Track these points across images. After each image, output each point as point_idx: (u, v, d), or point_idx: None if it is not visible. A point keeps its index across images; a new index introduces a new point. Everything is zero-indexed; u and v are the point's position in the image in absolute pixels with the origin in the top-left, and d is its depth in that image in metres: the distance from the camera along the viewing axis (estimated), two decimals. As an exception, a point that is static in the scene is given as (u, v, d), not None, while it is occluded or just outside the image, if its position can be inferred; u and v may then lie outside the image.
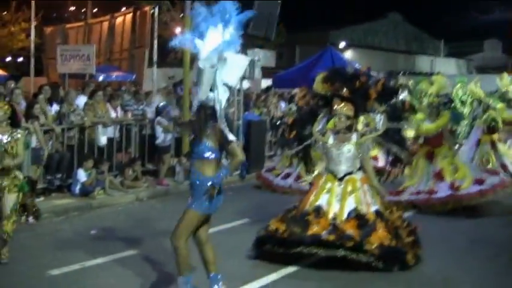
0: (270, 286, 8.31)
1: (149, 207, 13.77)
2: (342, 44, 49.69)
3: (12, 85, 15.19)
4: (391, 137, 9.75)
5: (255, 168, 17.24)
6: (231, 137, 7.54)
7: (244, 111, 18.51)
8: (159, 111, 15.53)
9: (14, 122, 9.29)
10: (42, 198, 13.15)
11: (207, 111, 7.28)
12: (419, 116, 13.95)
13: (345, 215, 8.97)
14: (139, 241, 10.20)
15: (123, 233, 10.92)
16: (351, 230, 8.74)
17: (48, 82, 20.93)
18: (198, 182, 7.16)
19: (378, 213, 9.05)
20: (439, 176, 13.44)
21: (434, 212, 12.70)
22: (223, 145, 7.26)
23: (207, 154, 7.16)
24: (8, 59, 42.64)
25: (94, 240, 10.52)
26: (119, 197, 14.17)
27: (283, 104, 23.65)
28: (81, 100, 15.48)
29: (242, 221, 12.01)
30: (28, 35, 36.13)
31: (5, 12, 39.26)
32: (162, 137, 15.55)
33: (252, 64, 17.74)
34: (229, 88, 7.64)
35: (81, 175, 13.89)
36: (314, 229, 8.85)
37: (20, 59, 43.37)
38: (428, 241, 9.45)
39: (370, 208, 9.06)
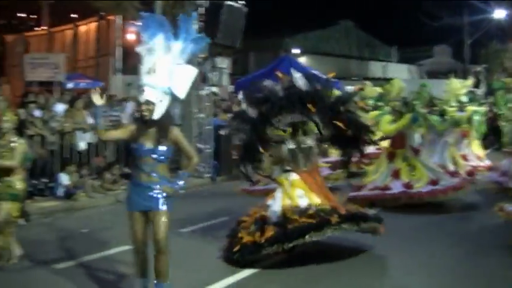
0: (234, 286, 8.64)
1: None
2: (296, 51, 50.41)
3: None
4: None
5: (224, 171, 17.98)
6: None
7: (213, 116, 19.24)
8: (135, 118, 16.15)
9: (19, 131, 9.69)
10: (27, 201, 13.73)
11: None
12: (387, 117, 14.86)
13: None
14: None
15: (112, 231, 11.58)
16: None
17: (28, 89, 21.18)
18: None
19: None
20: (396, 175, 14.24)
21: (395, 208, 13.45)
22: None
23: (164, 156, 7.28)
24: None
25: (87, 238, 11.22)
26: (99, 199, 14.85)
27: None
28: (60, 107, 16.12)
29: (214, 221, 12.64)
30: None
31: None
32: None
33: (220, 71, 18.54)
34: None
35: (64, 179, 14.56)
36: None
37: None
38: (396, 233, 10.20)
39: None
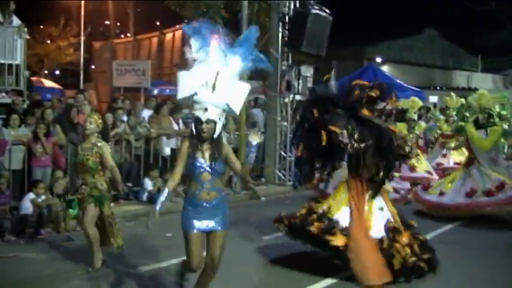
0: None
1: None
2: (379, 60, 50.05)
3: (83, 98, 16.12)
4: None
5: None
6: None
7: (295, 124, 19.27)
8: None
9: (103, 135, 9.86)
10: (112, 205, 13.99)
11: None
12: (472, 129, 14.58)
13: None
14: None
15: (195, 236, 11.69)
16: None
17: (115, 95, 21.52)
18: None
19: None
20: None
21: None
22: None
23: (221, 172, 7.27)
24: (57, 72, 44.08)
25: (171, 242, 11.32)
26: (182, 204, 14.95)
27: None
28: (146, 113, 16.43)
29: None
30: (76, 50, 37.51)
31: (54, 28, 40.60)
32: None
33: (304, 79, 18.59)
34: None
35: (148, 184, 14.81)
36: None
37: (57, 72, 44.79)
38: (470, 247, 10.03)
39: None
